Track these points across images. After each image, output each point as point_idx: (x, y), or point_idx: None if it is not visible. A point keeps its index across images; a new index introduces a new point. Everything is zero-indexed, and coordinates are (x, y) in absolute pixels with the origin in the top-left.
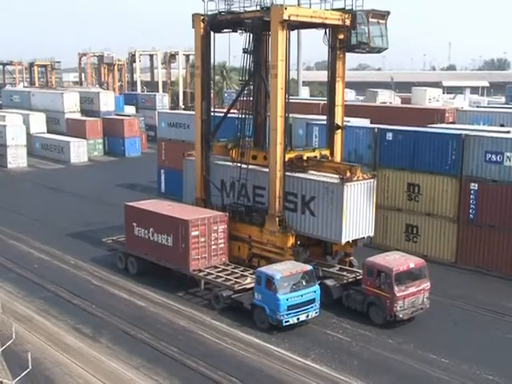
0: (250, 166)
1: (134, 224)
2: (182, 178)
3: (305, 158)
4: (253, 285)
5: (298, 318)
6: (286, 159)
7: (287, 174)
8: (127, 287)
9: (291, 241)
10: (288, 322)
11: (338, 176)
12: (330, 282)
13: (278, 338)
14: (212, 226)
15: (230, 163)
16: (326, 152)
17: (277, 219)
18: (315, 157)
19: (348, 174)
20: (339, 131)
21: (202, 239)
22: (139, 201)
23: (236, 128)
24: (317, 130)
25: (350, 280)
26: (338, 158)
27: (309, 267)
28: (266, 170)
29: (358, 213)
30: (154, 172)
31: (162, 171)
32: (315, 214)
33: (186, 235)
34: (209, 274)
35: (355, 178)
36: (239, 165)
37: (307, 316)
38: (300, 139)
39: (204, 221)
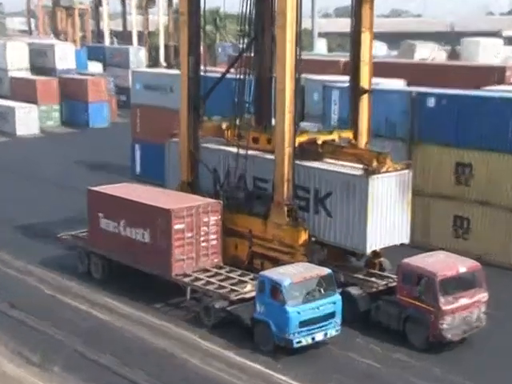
0: (251, 152)
1: (100, 215)
2: (164, 162)
3: (319, 142)
4: (254, 294)
5: (312, 338)
6: (297, 143)
7: (297, 162)
8: (89, 297)
9: (304, 236)
10: (300, 342)
11: (361, 166)
12: (354, 291)
13: (287, 363)
14: (201, 218)
15: (225, 147)
16: (348, 134)
17: (285, 209)
18: (333, 140)
19: (375, 164)
20: (365, 96)
21: (189, 234)
22: (107, 185)
23: (233, 97)
24: (336, 94)
25: (381, 288)
26: (363, 131)
27: (327, 271)
28: (271, 156)
29: (387, 214)
30: (126, 148)
31: (137, 146)
32: (332, 215)
33: (167, 229)
34: (197, 279)
35: (384, 169)
36: (236, 150)
37: (325, 335)
38: (315, 107)
39: (191, 210)
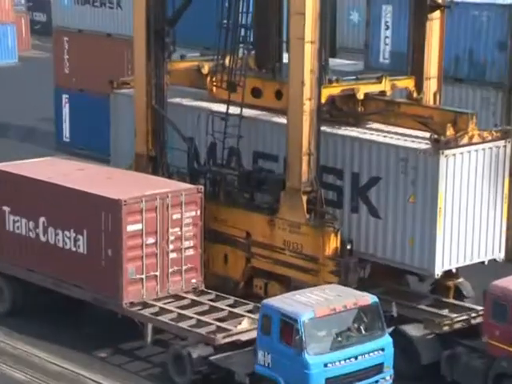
0: (248, 112)
1: (6, 209)
2: (110, 125)
3: (360, 95)
4: (254, 335)
5: None
6: (324, 98)
7: (323, 129)
8: None
9: (334, 243)
10: None
11: (428, 135)
12: (414, 331)
13: None
14: (170, 213)
15: (207, 104)
16: (407, 83)
17: (304, 198)
18: (382, 93)
19: (450, 132)
20: (437, 14)
21: (150, 240)
22: (16, 160)
23: (219, 18)
24: (389, 11)
25: (458, 327)
26: (431, 74)
27: (370, 299)
28: (280, 120)
29: (469, 212)
30: (47, 100)
31: (65, 98)
32: (380, 214)
33: (115, 231)
34: (163, 311)
35: (465, 140)
36: (225, 108)
37: None
38: (353, 34)
39: (153, 202)
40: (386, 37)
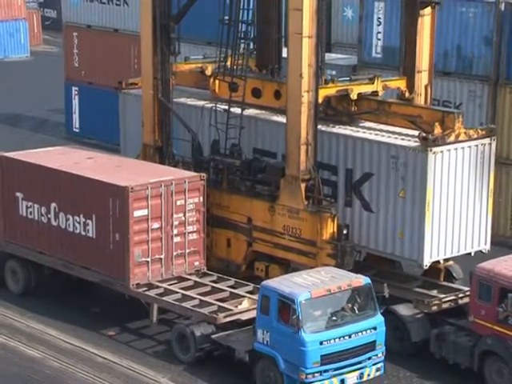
0: (249, 112)
1: (19, 195)
2: (119, 121)
3: (353, 95)
4: (253, 314)
5: (341, 381)
6: (320, 98)
7: (320, 127)
8: (5, 321)
9: (331, 228)
10: None
11: (417, 133)
12: (405, 311)
13: None
14: (175, 200)
15: (210, 104)
16: (399, 83)
17: (302, 186)
18: (375, 93)
19: (437, 130)
20: (428, 10)
21: (155, 225)
22: (29, 149)
23: (220, 14)
24: (381, 7)
25: (446, 306)
26: (423, 67)
27: (364, 280)
28: (279, 119)
29: (457, 206)
30: (58, 92)
31: (75, 91)
32: (372, 208)
33: (122, 216)
34: (168, 292)
35: (452, 138)
36: (226, 107)
37: (360, 376)
38: (347, 30)
39: (158, 188)
40: (379, 32)
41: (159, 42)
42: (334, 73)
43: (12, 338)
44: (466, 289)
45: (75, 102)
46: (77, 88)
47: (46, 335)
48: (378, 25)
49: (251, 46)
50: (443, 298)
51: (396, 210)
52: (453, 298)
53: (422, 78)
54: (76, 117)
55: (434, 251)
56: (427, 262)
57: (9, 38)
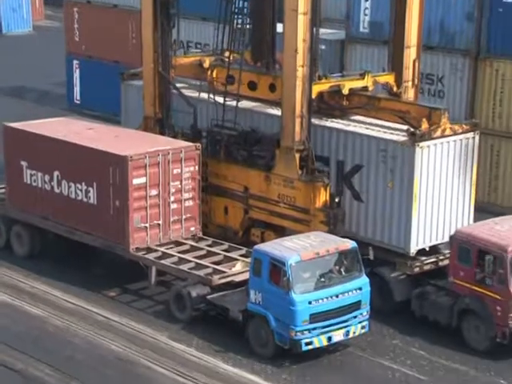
0: (244, 104)
1: (24, 164)
2: (120, 105)
3: (345, 90)
4: (246, 276)
5: (328, 338)
6: (314, 93)
7: (313, 121)
8: (10, 282)
9: (324, 196)
10: (311, 343)
11: (406, 128)
12: (388, 272)
13: (293, 373)
14: (172, 168)
15: (206, 95)
16: (388, 78)
17: (296, 156)
18: (365, 89)
19: (425, 126)
20: None
21: (153, 192)
22: (33, 120)
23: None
24: None
25: (427, 268)
26: (411, 42)
27: (350, 244)
28: (273, 111)
29: (442, 197)
30: (59, 65)
31: (76, 64)
32: (362, 198)
33: (122, 184)
34: (165, 256)
35: (438, 133)
36: (222, 99)
37: (346, 334)
38: (335, 5)
39: (156, 157)
40: (366, 8)
41: (159, 18)
42: (323, 47)
43: (17, 297)
44: (447, 251)
45: (76, 75)
46: (77, 61)
47: (49, 295)
48: (365, 1)
49: (246, 41)
50: (424, 260)
51: (385, 200)
52: (434, 260)
53: (411, 53)
54: (77, 89)
55: (420, 239)
56: (414, 250)
57: (11, 12)
